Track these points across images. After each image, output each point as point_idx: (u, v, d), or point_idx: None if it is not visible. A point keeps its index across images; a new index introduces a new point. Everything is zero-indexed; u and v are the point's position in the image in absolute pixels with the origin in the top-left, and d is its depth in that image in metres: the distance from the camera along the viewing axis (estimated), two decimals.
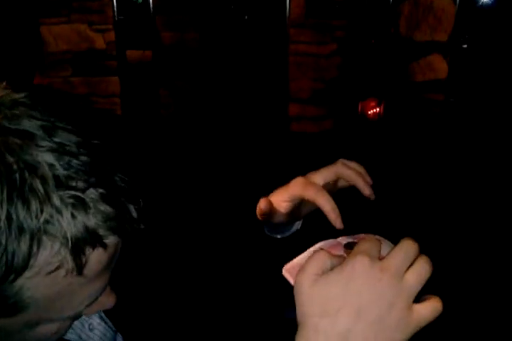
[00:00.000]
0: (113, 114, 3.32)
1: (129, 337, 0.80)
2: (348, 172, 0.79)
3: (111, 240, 0.49)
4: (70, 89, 3.31)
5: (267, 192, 1.04)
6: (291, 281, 0.66)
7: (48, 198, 0.45)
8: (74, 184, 0.47)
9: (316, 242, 0.75)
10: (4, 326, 0.53)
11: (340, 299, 0.52)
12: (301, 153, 3.18)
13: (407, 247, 0.55)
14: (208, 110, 3.59)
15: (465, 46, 3.40)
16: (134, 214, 0.52)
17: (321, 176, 0.81)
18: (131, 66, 3.32)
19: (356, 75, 3.41)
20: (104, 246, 0.49)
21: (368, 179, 0.80)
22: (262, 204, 0.81)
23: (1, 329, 0.54)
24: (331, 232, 0.78)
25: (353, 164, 0.80)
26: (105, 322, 0.76)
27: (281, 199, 0.81)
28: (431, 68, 3.37)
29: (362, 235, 0.75)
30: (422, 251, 0.56)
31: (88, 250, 0.48)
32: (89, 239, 0.47)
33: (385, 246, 0.73)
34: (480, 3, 3.28)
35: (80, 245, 0.47)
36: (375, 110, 3.38)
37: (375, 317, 0.51)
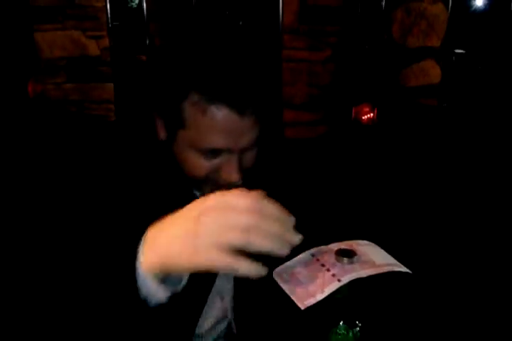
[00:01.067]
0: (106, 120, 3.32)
1: None
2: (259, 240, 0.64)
3: (224, 110, 0.81)
4: (63, 95, 3.31)
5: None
6: (281, 284, 0.68)
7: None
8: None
9: (308, 248, 0.75)
10: (177, 141, 0.88)
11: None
12: (296, 158, 3.17)
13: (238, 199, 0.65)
14: None
15: (458, 51, 3.42)
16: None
17: None
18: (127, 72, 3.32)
19: (350, 81, 3.43)
20: (222, 109, 0.81)
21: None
22: None
23: (174, 147, 0.89)
24: (324, 239, 0.78)
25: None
26: None
27: None
28: (424, 73, 3.39)
29: (354, 241, 0.76)
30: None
31: (211, 107, 0.81)
32: (212, 99, 0.81)
33: (376, 251, 0.73)
34: (472, 9, 3.30)
35: (205, 103, 0.81)
36: (368, 115, 3.40)
37: None
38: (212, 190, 0.88)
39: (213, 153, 0.86)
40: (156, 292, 0.69)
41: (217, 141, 0.84)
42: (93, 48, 3.26)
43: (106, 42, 3.25)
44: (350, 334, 0.70)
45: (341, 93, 3.45)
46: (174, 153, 0.91)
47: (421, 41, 3.34)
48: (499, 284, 1.96)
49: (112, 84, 3.33)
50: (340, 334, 0.70)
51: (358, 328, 0.70)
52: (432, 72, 3.39)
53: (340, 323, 0.70)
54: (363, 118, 3.40)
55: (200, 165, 0.88)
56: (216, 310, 1.06)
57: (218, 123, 0.82)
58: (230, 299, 1.07)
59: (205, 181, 0.92)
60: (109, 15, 3.21)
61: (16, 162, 2.14)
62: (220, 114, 0.81)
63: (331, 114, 3.51)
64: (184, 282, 0.72)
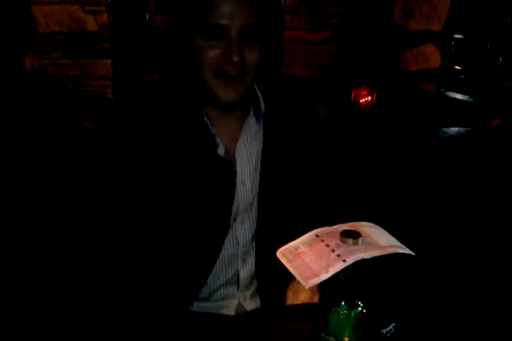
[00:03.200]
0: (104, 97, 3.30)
1: None
2: None
3: None
4: (60, 71, 3.27)
5: None
6: (284, 262, 0.69)
7: None
8: None
9: (312, 229, 0.75)
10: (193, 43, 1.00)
11: None
12: None
13: None
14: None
15: (457, 36, 3.41)
16: None
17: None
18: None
19: (349, 63, 3.41)
20: None
21: None
22: None
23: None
24: (328, 219, 0.79)
25: None
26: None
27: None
28: (424, 58, 3.38)
29: (358, 223, 0.76)
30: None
31: None
32: None
33: (380, 233, 0.74)
34: None
35: None
36: (367, 99, 3.39)
37: None
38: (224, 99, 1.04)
39: (217, 33, 0.97)
40: None
41: (217, 16, 0.96)
42: (91, 24, 3.21)
43: (104, 17, 3.21)
44: (352, 314, 0.70)
45: (341, 75, 3.44)
46: (194, 56, 1.03)
47: (422, 25, 3.32)
48: (502, 268, 1.97)
49: (110, 60, 3.29)
50: (341, 314, 0.70)
51: (359, 308, 0.71)
52: (432, 56, 3.38)
53: (342, 303, 0.71)
54: (362, 101, 3.39)
55: (210, 52, 0.99)
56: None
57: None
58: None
59: (217, 81, 1.02)
60: None
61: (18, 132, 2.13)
62: None
63: (330, 96, 3.49)
64: None
